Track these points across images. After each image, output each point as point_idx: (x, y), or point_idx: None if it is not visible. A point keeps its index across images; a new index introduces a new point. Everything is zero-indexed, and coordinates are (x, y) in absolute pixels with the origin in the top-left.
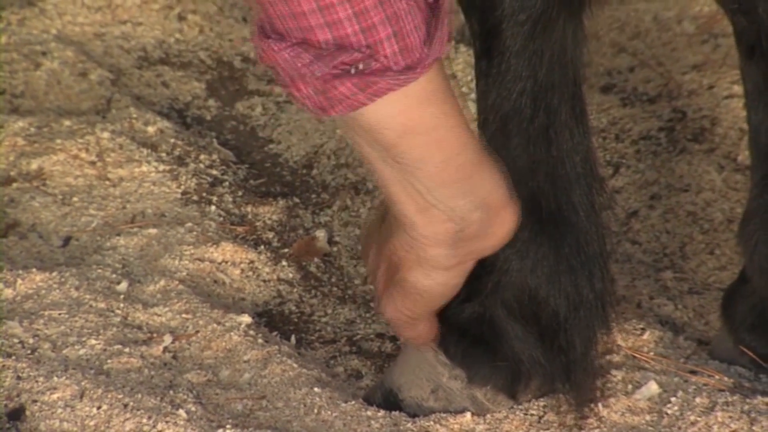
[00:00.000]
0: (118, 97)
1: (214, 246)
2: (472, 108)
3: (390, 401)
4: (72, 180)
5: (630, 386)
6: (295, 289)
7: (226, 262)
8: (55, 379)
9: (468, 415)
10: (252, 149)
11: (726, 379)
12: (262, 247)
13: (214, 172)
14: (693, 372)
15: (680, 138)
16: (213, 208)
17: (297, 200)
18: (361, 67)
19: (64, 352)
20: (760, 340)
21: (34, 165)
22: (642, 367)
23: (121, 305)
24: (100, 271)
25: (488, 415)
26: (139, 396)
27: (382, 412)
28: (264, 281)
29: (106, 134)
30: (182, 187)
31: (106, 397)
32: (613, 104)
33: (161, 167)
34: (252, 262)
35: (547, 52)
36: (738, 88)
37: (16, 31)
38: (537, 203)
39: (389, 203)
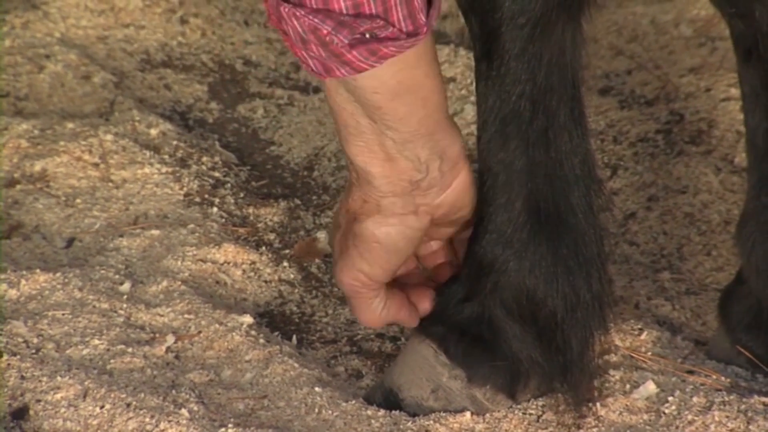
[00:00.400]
0: (121, 99)
1: (216, 247)
2: (472, 111)
3: (390, 401)
4: (75, 182)
5: (628, 386)
6: (296, 290)
7: (228, 263)
8: (59, 378)
9: (467, 414)
10: (254, 151)
11: (723, 378)
12: (264, 248)
13: (216, 174)
14: (690, 372)
15: (678, 140)
16: (215, 209)
17: (298, 202)
18: (377, 33)
19: (68, 352)
20: (756, 340)
21: (38, 167)
22: (640, 366)
23: (124, 306)
24: (103, 271)
25: (487, 415)
26: (142, 395)
27: (382, 412)
28: (265, 282)
29: (109, 136)
30: (185, 188)
31: (109, 396)
32: (611, 107)
33: (164, 169)
34: (254, 263)
35: (546, 54)
36: (735, 91)
37: (20, 34)
38: (535, 204)
39: (350, 159)
